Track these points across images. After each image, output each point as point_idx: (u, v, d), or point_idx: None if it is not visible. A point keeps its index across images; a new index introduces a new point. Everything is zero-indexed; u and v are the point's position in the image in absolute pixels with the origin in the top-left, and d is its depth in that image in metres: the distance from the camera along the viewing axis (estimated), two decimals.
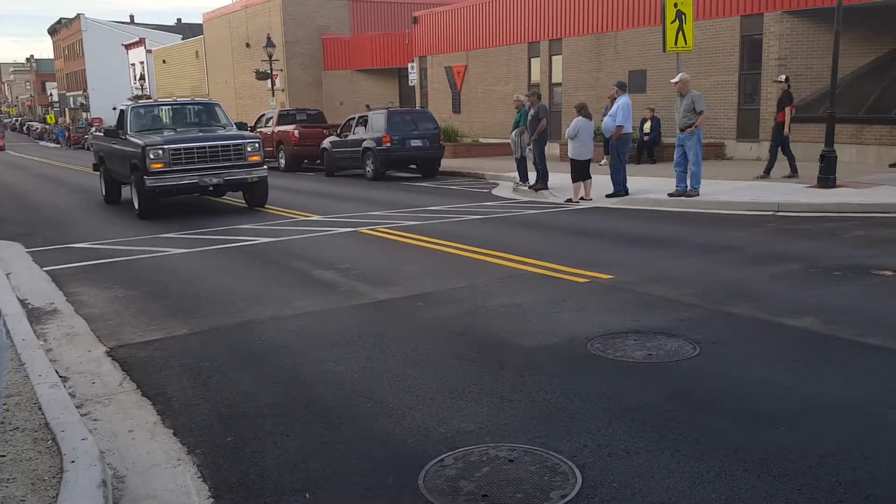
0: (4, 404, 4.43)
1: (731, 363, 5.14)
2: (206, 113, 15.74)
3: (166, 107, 15.90)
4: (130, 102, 16.05)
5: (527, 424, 4.27)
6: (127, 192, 15.38)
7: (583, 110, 14.08)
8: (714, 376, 4.91)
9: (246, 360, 5.60)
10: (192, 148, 13.49)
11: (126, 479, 3.82)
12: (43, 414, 4.30)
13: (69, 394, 4.87)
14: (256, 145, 14.17)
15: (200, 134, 14.34)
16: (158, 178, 13.25)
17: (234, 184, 14.09)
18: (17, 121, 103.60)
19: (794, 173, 15.18)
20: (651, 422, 4.24)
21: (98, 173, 17.75)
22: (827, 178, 13.16)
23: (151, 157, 13.18)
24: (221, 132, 14.67)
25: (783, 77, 16.19)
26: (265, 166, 14.55)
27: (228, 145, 13.78)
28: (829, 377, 4.84)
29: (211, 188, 13.91)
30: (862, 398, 4.47)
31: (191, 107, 15.89)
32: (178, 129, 14.66)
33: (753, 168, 17.67)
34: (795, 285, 7.17)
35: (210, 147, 13.62)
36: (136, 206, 13.88)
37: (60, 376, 5.24)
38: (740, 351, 5.38)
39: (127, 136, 14.35)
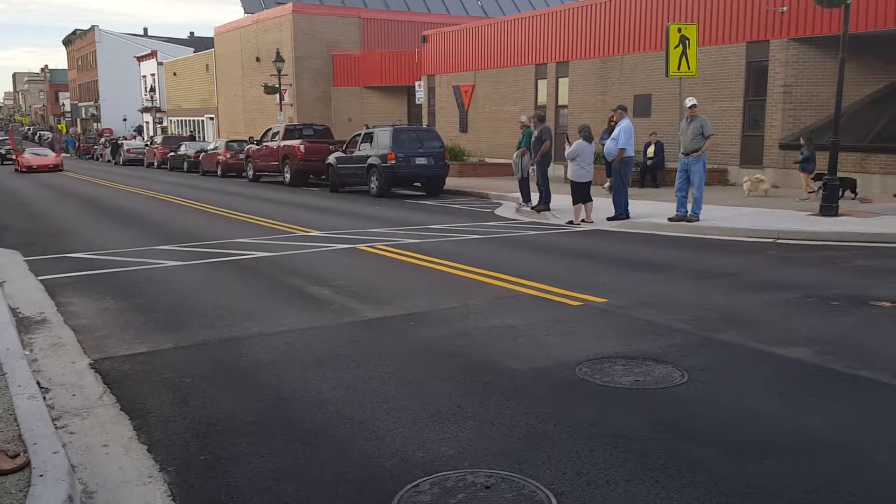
0: None
1: (718, 392, 5.05)
2: None
3: None
4: None
5: (507, 450, 4.20)
6: None
7: (584, 132, 14.05)
8: (701, 405, 4.83)
9: (229, 376, 5.54)
10: None
11: (95, 494, 3.75)
12: (18, 426, 4.25)
13: (48, 406, 4.82)
14: None
15: None
16: None
17: None
18: (29, 129, 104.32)
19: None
20: (633, 450, 4.16)
21: None
22: (829, 206, 13.09)
23: None
24: None
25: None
26: None
27: None
28: (818, 410, 4.75)
29: None
30: (850, 432, 4.38)
31: None
32: None
33: (756, 195, 17.61)
34: (791, 314, 7.08)
35: None
36: None
37: (42, 387, 5.20)
38: (729, 379, 5.30)
39: None
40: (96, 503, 3.69)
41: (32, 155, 40.89)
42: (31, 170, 38.16)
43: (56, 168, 39.12)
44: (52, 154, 42.19)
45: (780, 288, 8.23)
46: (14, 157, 41.64)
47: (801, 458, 4.06)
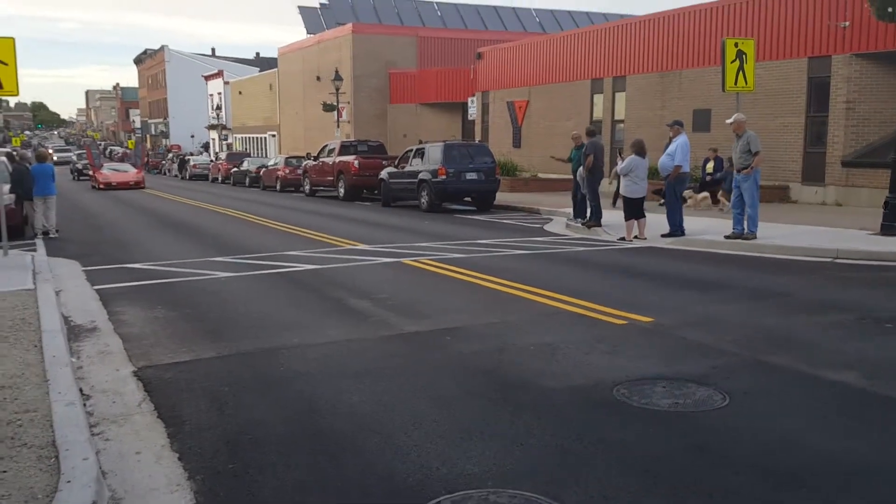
0: (19, 420, 4.51)
1: (759, 416, 4.89)
2: None
3: None
4: None
5: (534, 470, 4.13)
6: None
7: (636, 147, 13.86)
8: (739, 429, 4.67)
9: (265, 386, 5.60)
10: None
11: (122, 501, 3.82)
12: (53, 432, 4.36)
13: (87, 412, 4.95)
14: None
15: None
16: None
17: None
18: (101, 144, 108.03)
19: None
20: (664, 474, 4.05)
21: None
22: (891, 225, 12.60)
23: None
24: None
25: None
26: None
27: None
28: (861, 436, 4.54)
29: None
30: (894, 460, 4.18)
31: None
32: None
33: (818, 212, 17.13)
34: (842, 336, 6.82)
35: None
36: None
37: (84, 394, 5.34)
38: (771, 403, 5.12)
39: None
40: None
41: (111, 171, 37.01)
42: (109, 187, 34.47)
43: (137, 185, 35.12)
44: (132, 170, 37.97)
45: (834, 309, 7.94)
46: (91, 172, 38.94)
47: (837, 485, 3.88)
